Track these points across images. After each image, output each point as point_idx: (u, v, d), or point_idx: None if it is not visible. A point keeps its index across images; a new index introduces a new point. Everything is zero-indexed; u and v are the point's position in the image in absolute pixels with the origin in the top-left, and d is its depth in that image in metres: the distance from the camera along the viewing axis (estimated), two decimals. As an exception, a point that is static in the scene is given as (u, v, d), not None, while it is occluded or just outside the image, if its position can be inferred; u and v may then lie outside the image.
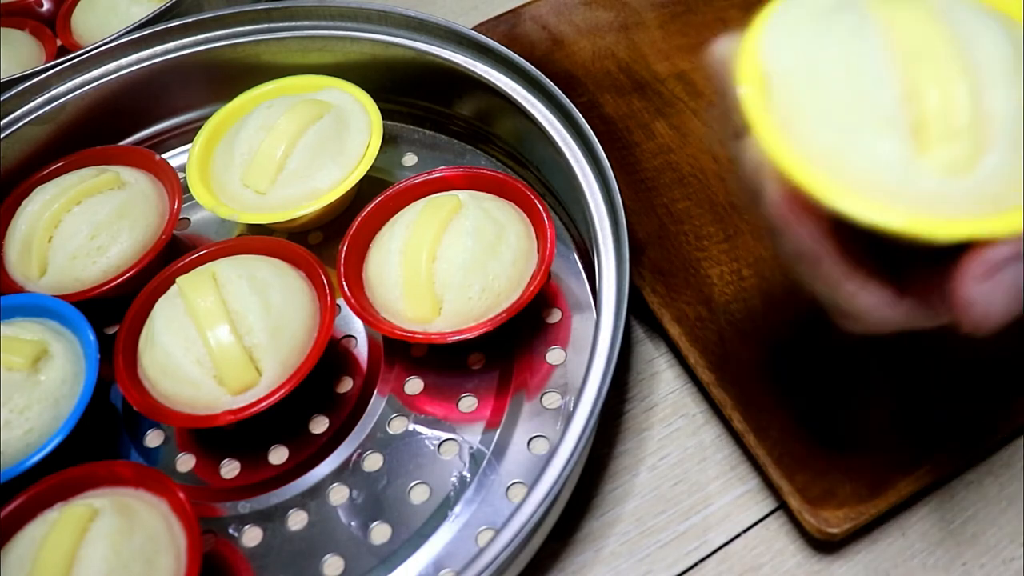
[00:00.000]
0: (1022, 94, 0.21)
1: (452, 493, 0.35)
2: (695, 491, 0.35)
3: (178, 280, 0.37)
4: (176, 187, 0.43)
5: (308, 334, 0.36)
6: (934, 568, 0.32)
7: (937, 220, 0.21)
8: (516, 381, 0.38)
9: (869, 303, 0.24)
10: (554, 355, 0.39)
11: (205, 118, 0.45)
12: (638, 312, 0.41)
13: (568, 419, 0.31)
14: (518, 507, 0.29)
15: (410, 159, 0.48)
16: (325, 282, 0.38)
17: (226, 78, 0.47)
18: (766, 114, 0.23)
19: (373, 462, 0.37)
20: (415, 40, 0.44)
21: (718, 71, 0.25)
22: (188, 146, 0.45)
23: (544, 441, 0.36)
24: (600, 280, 0.35)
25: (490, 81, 0.42)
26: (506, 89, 0.42)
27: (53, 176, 0.44)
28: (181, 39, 0.47)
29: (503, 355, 0.39)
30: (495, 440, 0.36)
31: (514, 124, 0.44)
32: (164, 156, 0.46)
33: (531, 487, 0.30)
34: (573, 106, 0.39)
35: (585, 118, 0.38)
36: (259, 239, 0.40)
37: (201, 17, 0.47)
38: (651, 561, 0.34)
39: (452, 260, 0.36)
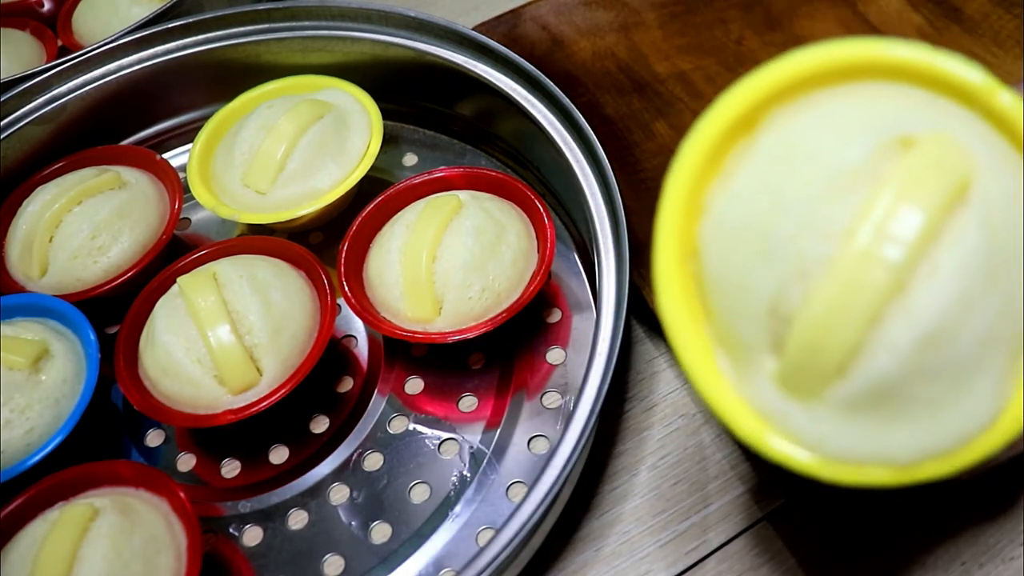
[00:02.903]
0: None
1: (452, 493, 0.35)
2: (695, 491, 0.35)
3: (179, 280, 0.37)
4: (177, 187, 0.43)
5: (308, 334, 0.37)
6: (934, 568, 0.32)
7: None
8: (516, 381, 0.38)
9: None
10: (554, 355, 0.39)
11: (206, 118, 0.45)
12: (638, 312, 0.41)
13: (568, 419, 0.31)
14: (518, 507, 0.29)
15: (410, 159, 0.48)
16: (325, 282, 0.38)
17: (227, 78, 0.47)
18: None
19: (373, 462, 0.37)
20: (415, 40, 0.44)
21: None
22: (189, 146, 0.45)
23: (544, 441, 0.36)
24: (600, 280, 0.35)
25: (490, 81, 0.42)
26: (506, 89, 0.42)
27: (54, 176, 0.44)
28: (182, 39, 0.47)
29: (503, 355, 0.39)
30: (495, 440, 0.37)
31: (514, 124, 0.44)
32: (165, 156, 0.46)
33: (531, 487, 0.30)
34: (573, 106, 0.39)
35: (585, 118, 0.38)
36: (260, 239, 0.40)
37: (202, 17, 0.47)
38: (651, 561, 0.34)
39: (452, 260, 0.36)
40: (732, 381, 0.21)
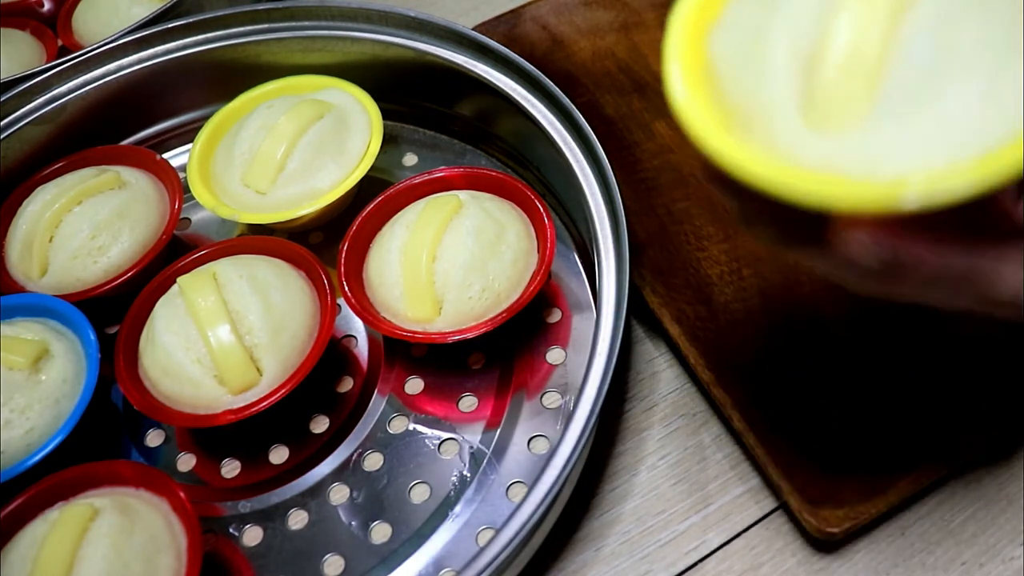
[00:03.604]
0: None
1: (452, 493, 0.35)
2: (695, 491, 0.35)
3: (179, 280, 0.37)
4: (177, 187, 0.43)
5: (308, 334, 0.37)
6: (934, 568, 0.32)
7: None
8: (516, 381, 0.38)
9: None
10: (554, 355, 0.39)
11: (206, 118, 0.45)
12: (638, 312, 0.41)
13: (568, 419, 0.31)
14: (518, 507, 0.29)
15: (410, 159, 0.48)
16: (325, 282, 0.38)
17: (227, 78, 0.47)
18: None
19: (373, 462, 0.37)
20: (415, 40, 0.44)
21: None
22: (189, 146, 0.45)
23: (544, 441, 0.36)
24: (600, 280, 0.35)
25: (490, 81, 0.42)
26: (506, 89, 0.42)
27: (54, 176, 0.44)
28: (182, 39, 0.47)
29: (503, 355, 0.39)
30: (495, 440, 0.37)
31: (514, 124, 0.44)
32: (165, 156, 0.46)
33: (531, 487, 0.30)
34: (573, 106, 0.39)
35: (585, 118, 0.38)
36: (259, 239, 0.40)
37: (202, 17, 0.47)
38: (651, 560, 0.34)
39: (452, 260, 0.36)
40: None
